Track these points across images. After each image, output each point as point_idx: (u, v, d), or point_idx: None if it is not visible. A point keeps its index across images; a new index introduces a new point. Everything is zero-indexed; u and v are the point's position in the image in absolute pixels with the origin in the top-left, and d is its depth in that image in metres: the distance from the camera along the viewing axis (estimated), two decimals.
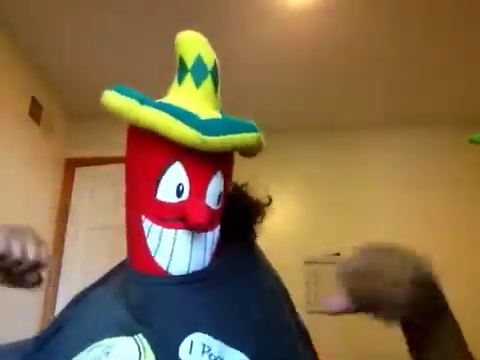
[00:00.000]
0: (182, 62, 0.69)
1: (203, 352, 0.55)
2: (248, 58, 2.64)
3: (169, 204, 0.63)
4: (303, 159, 3.38)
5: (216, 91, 0.71)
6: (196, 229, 0.62)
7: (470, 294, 2.91)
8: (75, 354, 0.57)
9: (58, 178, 3.04)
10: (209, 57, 0.69)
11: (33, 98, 2.68)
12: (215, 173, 0.65)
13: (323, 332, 2.87)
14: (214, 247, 0.67)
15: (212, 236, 0.66)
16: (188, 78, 0.68)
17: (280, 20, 2.33)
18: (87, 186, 3.05)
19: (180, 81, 0.69)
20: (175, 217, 0.62)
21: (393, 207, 3.18)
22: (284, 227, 3.21)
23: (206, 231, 0.64)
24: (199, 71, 0.68)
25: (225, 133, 0.62)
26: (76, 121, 3.22)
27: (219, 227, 0.68)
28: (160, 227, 0.63)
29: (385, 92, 2.99)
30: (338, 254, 3.07)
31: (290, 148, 3.41)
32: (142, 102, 0.64)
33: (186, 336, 0.56)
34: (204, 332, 0.57)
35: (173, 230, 0.62)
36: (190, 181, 0.63)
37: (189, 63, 0.68)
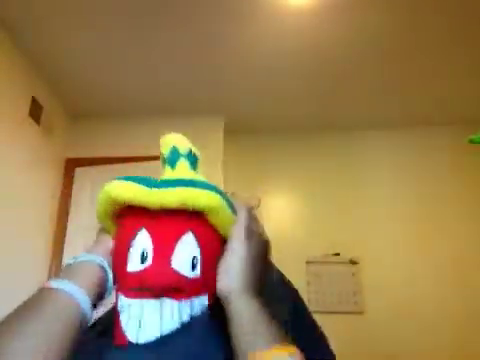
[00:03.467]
0: (162, 157, 0.74)
1: None
2: (248, 58, 2.64)
3: (135, 273, 0.62)
4: (303, 159, 3.38)
5: (194, 169, 0.73)
6: (159, 292, 0.60)
7: (470, 293, 2.91)
8: None
9: (58, 178, 3.04)
10: (184, 146, 0.74)
11: (33, 98, 2.68)
12: (183, 234, 0.63)
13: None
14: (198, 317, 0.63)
15: (189, 305, 0.62)
16: (166, 165, 0.72)
17: (280, 20, 2.33)
18: (87, 186, 3.05)
19: (162, 172, 0.73)
20: (139, 286, 0.61)
21: (393, 207, 3.18)
22: (285, 227, 3.21)
23: (178, 298, 0.61)
24: (173, 157, 0.72)
25: (176, 186, 0.63)
26: (76, 121, 3.22)
27: (205, 296, 0.64)
28: (129, 299, 0.61)
29: (385, 92, 2.99)
30: (338, 254, 3.07)
31: (290, 148, 3.41)
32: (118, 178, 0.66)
33: None
34: None
35: (139, 300, 0.61)
36: (154, 245, 0.62)
37: (166, 154, 0.73)
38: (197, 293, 0.63)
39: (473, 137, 1.02)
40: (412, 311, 2.88)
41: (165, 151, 0.73)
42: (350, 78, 2.83)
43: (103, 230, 0.70)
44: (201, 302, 0.64)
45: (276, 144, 3.41)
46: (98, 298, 0.63)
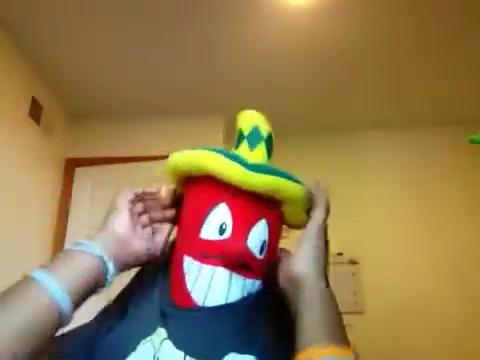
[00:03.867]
0: (240, 132, 0.74)
1: None
2: (248, 58, 2.64)
3: (211, 242, 0.65)
4: (303, 160, 3.38)
5: (269, 157, 0.75)
6: (233, 264, 0.64)
7: (471, 293, 2.91)
8: (127, 355, 0.61)
9: (58, 178, 3.04)
10: (265, 128, 0.75)
11: (33, 98, 2.68)
12: (259, 219, 0.67)
13: None
14: (254, 297, 0.67)
15: (252, 284, 0.67)
16: (244, 143, 0.72)
17: (280, 20, 2.33)
18: (87, 186, 3.05)
19: (237, 147, 0.73)
20: (215, 254, 0.64)
21: (393, 207, 3.18)
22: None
23: (246, 275, 0.65)
24: (254, 137, 0.73)
25: (272, 174, 0.66)
26: (76, 121, 3.22)
27: (261, 281, 0.68)
28: (199, 263, 0.65)
29: (385, 92, 2.99)
30: (338, 254, 3.07)
31: (290, 148, 3.40)
32: (195, 149, 0.68)
33: (223, 357, 0.59)
34: (238, 352, 0.60)
35: (211, 267, 0.64)
36: (233, 221, 0.66)
37: (246, 131, 0.73)
38: (259, 276, 0.68)
39: (473, 137, 1.02)
40: (412, 311, 2.87)
41: (245, 128, 0.74)
42: (350, 78, 2.83)
43: (114, 212, 0.67)
44: (259, 285, 0.68)
45: (276, 144, 3.40)
46: (89, 293, 0.59)
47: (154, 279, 0.71)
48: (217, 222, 0.66)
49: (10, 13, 2.29)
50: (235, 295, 0.64)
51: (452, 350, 2.77)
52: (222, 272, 0.64)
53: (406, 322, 2.85)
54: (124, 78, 2.85)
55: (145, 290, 0.71)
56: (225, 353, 0.60)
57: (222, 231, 0.65)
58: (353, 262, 3.05)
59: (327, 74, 2.79)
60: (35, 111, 2.70)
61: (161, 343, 0.61)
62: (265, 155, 0.74)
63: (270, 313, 0.68)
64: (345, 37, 2.45)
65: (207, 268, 0.64)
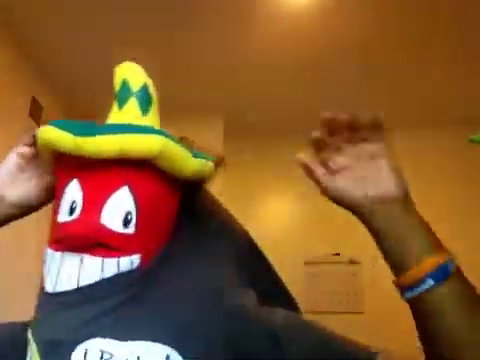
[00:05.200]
0: (113, 92, 0.66)
1: (101, 359, 0.52)
2: (248, 58, 2.64)
3: (61, 224, 0.58)
4: None
5: (145, 111, 0.64)
6: (78, 246, 0.56)
7: None
8: None
9: None
10: (136, 81, 0.66)
11: (33, 98, 2.68)
12: (117, 188, 0.58)
13: None
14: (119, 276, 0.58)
15: (115, 264, 0.56)
16: (114, 104, 0.64)
17: (280, 20, 2.33)
18: None
19: (110, 109, 0.66)
20: (62, 238, 0.57)
21: None
22: (284, 227, 3.21)
23: (104, 255, 0.56)
24: (122, 94, 0.64)
25: (106, 133, 0.55)
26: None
27: (137, 256, 0.58)
28: (51, 250, 0.59)
29: (385, 92, 2.99)
30: (338, 254, 3.07)
31: (290, 148, 3.40)
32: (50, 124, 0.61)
33: (78, 344, 0.53)
34: (103, 337, 0.53)
35: (60, 253, 0.57)
36: (83, 197, 0.58)
37: (116, 88, 0.65)
38: (129, 252, 0.58)
39: (473, 137, 1.02)
40: None
41: (115, 85, 0.66)
42: (350, 78, 2.83)
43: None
44: (131, 262, 0.58)
45: (276, 144, 3.41)
46: None
47: None
48: (68, 202, 0.59)
49: (10, 13, 2.29)
50: (88, 278, 0.55)
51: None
52: (70, 257, 0.56)
53: (406, 322, 2.84)
54: None
55: None
56: (84, 338, 0.53)
57: (72, 211, 0.58)
58: (353, 262, 3.05)
59: (327, 74, 2.79)
60: (35, 111, 2.70)
61: (30, 344, 0.57)
62: (137, 110, 0.63)
63: (149, 290, 0.58)
64: (345, 37, 2.45)
65: (56, 254, 0.58)
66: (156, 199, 0.61)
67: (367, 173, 0.59)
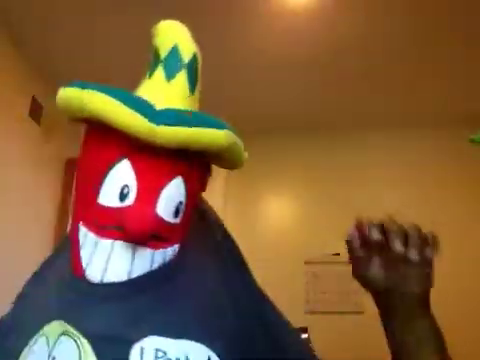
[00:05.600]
0: (156, 53, 0.61)
1: (156, 358, 0.49)
2: (248, 58, 2.64)
3: (110, 209, 0.53)
4: (303, 159, 3.38)
5: (192, 89, 0.61)
6: (136, 240, 0.52)
7: (470, 293, 2.91)
8: (20, 351, 0.53)
9: (58, 178, 3.04)
10: (187, 49, 0.61)
11: (33, 98, 2.68)
12: (173, 178, 0.55)
13: (323, 332, 2.88)
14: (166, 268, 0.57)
15: (163, 254, 0.55)
16: (159, 70, 0.59)
17: (280, 20, 2.33)
18: None
19: (151, 74, 0.60)
20: (114, 225, 0.52)
21: (393, 207, 3.17)
22: (284, 227, 3.21)
23: (155, 247, 0.54)
24: (172, 63, 0.58)
25: (181, 124, 0.51)
26: (76, 121, 3.22)
27: (177, 246, 0.57)
28: (94, 236, 0.54)
29: (385, 92, 2.99)
30: (338, 254, 3.07)
31: (290, 148, 3.41)
32: (84, 87, 0.53)
33: (134, 343, 0.50)
34: (157, 334, 0.51)
35: (110, 241, 0.53)
36: (138, 183, 0.53)
37: (163, 53, 0.59)
38: (173, 242, 0.57)
39: (474, 137, 1.02)
40: None
41: (162, 48, 0.60)
42: (350, 78, 2.83)
43: None
44: (174, 252, 0.57)
45: (276, 144, 3.41)
46: None
47: (65, 246, 0.62)
48: (118, 184, 0.53)
49: (10, 13, 2.29)
50: (140, 270, 0.53)
51: (452, 350, 2.76)
52: (122, 247, 0.52)
53: None
54: (124, 78, 2.84)
55: (54, 259, 0.63)
56: (139, 337, 0.50)
57: (123, 196, 0.53)
58: None
59: (327, 74, 2.79)
60: (35, 111, 2.70)
61: (58, 338, 0.51)
62: (186, 87, 0.59)
63: (188, 283, 0.57)
64: (345, 37, 2.45)
65: (104, 243, 0.53)
66: (197, 190, 0.60)
67: (399, 268, 0.61)
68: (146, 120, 0.50)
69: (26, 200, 2.62)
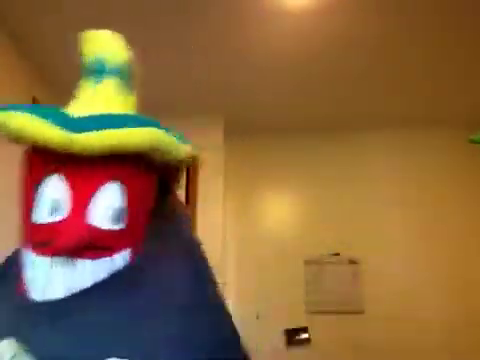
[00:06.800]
0: (83, 63, 0.61)
1: None
2: (249, 57, 2.64)
3: (41, 225, 0.53)
4: (303, 159, 3.38)
5: (121, 91, 0.60)
6: (66, 254, 0.51)
7: (470, 293, 2.91)
8: None
9: None
10: (114, 57, 0.61)
11: (33, 98, 2.68)
12: (105, 184, 0.54)
13: (323, 332, 2.88)
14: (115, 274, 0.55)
15: (109, 264, 0.53)
16: (85, 78, 0.60)
17: (279, 21, 2.33)
18: None
19: (81, 83, 0.60)
20: (47, 241, 0.52)
21: (393, 207, 3.17)
22: (284, 227, 3.21)
23: (94, 257, 0.53)
24: (98, 69, 0.59)
25: (100, 128, 0.50)
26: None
27: (128, 252, 0.55)
28: (32, 254, 0.54)
29: (385, 92, 2.99)
30: (338, 254, 3.07)
31: (290, 148, 3.41)
32: (3, 109, 0.54)
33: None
34: (91, 350, 0.50)
35: (47, 258, 0.52)
36: (70, 194, 0.52)
37: (89, 62, 0.60)
38: (120, 248, 0.55)
39: (474, 137, 1.02)
40: (412, 311, 2.87)
41: (87, 58, 0.59)
42: (350, 78, 2.83)
43: None
44: (124, 258, 0.55)
45: (276, 144, 3.41)
46: None
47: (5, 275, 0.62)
48: (47, 200, 0.53)
49: (10, 13, 2.29)
50: (82, 283, 0.52)
51: (452, 349, 2.77)
52: (60, 263, 0.51)
53: (405, 322, 2.84)
54: None
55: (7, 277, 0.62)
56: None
57: (53, 210, 0.53)
58: (353, 262, 3.05)
59: (327, 74, 2.79)
60: None
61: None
62: (114, 90, 0.59)
63: (139, 290, 0.55)
64: (345, 37, 2.44)
65: (41, 260, 0.52)
66: (143, 192, 0.58)
67: None
68: (60, 130, 0.50)
69: None
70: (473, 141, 1.02)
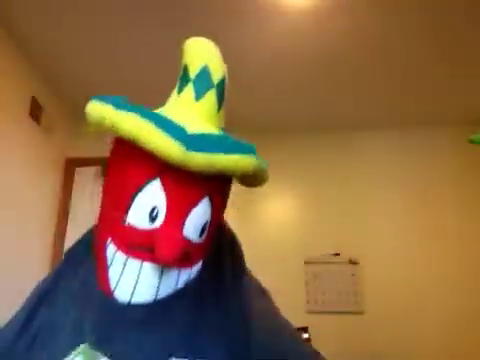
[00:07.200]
0: (186, 71, 0.61)
1: None
2: (248, 57, 2.64)
3: (140, 230, 0.54)
4: (303, 159, 3.38)
5: (219, 108, 0.62)
6: (166, 265, 0.54)
7: (471, 293, 2.91)
8: None
9: (58, 178, 3.04)
10: (217, 70, 0.62)
11: (33, 98, 2.68)
12: (201, 199, 0.56)
13: (323, 332, 2.88)
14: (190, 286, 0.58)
15: (188, 274, 0.57)
16: (189, 89, 0.60)
17: (279, 20, 2.33)
18: (87, 186, 3.05)
19: (180, 91, 0.61)
20: (144, 246, 0.54)
21: (393, 207, 3.18)
22: (284, 227, 3.21)
23: (180, 267, 0.56)
24: (202, 83, 0.60)
25: (214, 151, 0.52)
26: (76, 121, 3.22)
27: (201, 262, 0.59)
28: (124, 255, 0.55)
29: (385, 92, 2.99)
30: (338, 254, 3.07)
31: (290, 148, 3.41)
32: (118, 106, 0.54)
33: None
34: (179, 357, 0.52)
35: (139, 261, 0.54)
36: (168, 205, 0.54)
37: (193, 73, 0.60)
38: (197, 260, 0.58)
39: (473, 137, 1.02)
40: (412, 311, 2.87)
41: (192, 67, 0.59)
42: (350, 78, 2.83)
43: None
44: (197, 269, 0.58)
45: (276, 144, 3.41)
46: None
47: (83, 259, 0.62)
48: (147, 206, 0.54)
49: (10, 13, 2.29)
50: (166, 290, 0.55)
51: (452, 349, 2.77)
52: (150, 268, 0.54)
53: (406, 322, 2.84)
54: (124, 78, 2.85)
55: (69, 276, 0.62)
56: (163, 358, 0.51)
57: (153, 218, 0.54)
58: (353, 262, 3.05)
59: (327, 74, 2.79)
60: (35, 111, 2.70)
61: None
62: (215, 106, 0.61)
63: (211, 299, 0.59)
64: (345, 37, 2.45)
65: (133, 263, 0.54)
66: (223, 206, 0.62)
67: None
68: (179, 145, 0.50)
69: (26, 200, 2.62)
70: (473, 141, 1.02)
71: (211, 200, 0.57)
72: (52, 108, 2.93)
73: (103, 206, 0.60)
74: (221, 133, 0.59)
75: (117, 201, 0.56)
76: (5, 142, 2.41)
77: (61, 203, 3.02)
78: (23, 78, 2.60)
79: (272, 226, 3.22)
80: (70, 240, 2.95)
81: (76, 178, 3.11)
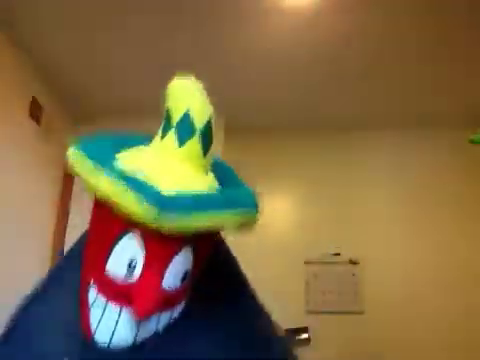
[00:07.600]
0: (168, 115, 0.58)
1: None
2: (249, 57, 2.64)
3: (118, 280, 0.55)
4: (303, 159, 3.38)
5: (205, 153, 0.58)
6: (143, 319, 0.55)
7: (470, 293, 2.91)
8: None
9: (58, 178, 3.04)
10: (200, 114, 0.57)
11: (33, 98, 2.68)
12: (181, 249, 0.55)
13: (323, 332, 2.88)
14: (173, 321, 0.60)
15: (169, 316, 0.58)
16: (170, 135, 0.57)
17: (279, 20, 2.33)
18: None
19: (163, 136, 0.58)
20: (123, 294, 0.54)
21: (393, 207, 3.17)
22: (284, 227, 3.21)
23: (161, 312, 0.57)
24: (184, 130, 0.56)
25: (189, 212, 0.50)
26: (76, 121, 3.22)
27: (182, 303, 0.60)
28: (104, 300, 0.56)
29: (385, 92, 2.99)
30: (338, 254, 3.07)
31: (290, 148, 3.40)
32: (96, 164, 0.55)
33: None
34: None
35: (118, 307, 0.55)
36: (146, 258, 0.53)
37: (174, 119, 0.57)
38: (179, 302, 0.59)
39: (473, 137, 1.02)
40: (412, 311, 2.87)
41: (175, 114, 0.57)
42: (350, 78, 2.83)
43: None
44: (180, 309, 0.60)
45: (276, 144, 3.41)
46: None
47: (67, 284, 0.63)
48: (125, 258, 0.54)
49: (10, 13, 2.29)
50: (146, 333, 0.56)
51: (451, 349, 2.77)
52: (129, 315, 0.55)
53: (406, 322, 2.84)
54: (125, 78, 2.85)
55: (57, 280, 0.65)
56: None
57: (131, 270, 0.54)
58: (353, 262, 3.05)
59: (327, 74, 2.79)
60: (35, 111, 2.70)
61: None
62: (199, 151, 0.57)
63: (198, 332, 0.61)
64: (345, 37, 2.45)
65: (113, 308, 0.55)
66: (209, 250, 0.61)
67: None
68: (152, 209, 0.49)
69: (26, 200, 2.62)
70: (473, 141, 1.02)
71: (194, 248, 0.56)
72: (52, 108, 2.93)
73: (86, 249, 0.61)
74: (201, 190, 0.56)
75: (98, 247, 0.57)
76: (5, 142, 2.41)
77: (61, 203, 3.02)
78: (23, 78, 2.60)
79: (272, 226, 3.22)
80: (70, 240, 2.96)
81: (76, 178, 3.10)
